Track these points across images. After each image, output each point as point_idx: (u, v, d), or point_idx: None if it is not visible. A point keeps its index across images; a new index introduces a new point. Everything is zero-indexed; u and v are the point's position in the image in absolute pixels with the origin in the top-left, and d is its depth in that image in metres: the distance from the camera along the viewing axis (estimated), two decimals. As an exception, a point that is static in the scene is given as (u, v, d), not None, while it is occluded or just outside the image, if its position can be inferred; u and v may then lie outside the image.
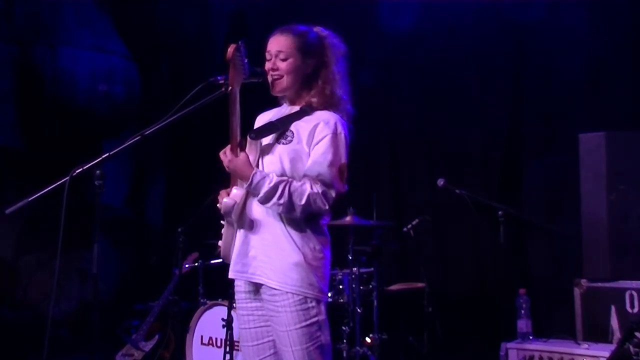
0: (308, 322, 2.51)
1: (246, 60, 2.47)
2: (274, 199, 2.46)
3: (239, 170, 2.50)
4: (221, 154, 2.54)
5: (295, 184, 2.48)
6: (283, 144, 2.57)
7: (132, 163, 7.05)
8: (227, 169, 2.54)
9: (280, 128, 2.59)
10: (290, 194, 2.46)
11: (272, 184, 2.46)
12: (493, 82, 5.42)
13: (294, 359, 2.50)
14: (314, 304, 2.53)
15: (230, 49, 2.43)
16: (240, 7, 6.69)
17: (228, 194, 2.59)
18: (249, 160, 2.51)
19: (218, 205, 2.60)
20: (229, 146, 2.52)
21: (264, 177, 2.47)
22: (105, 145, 6.43)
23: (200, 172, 6.00)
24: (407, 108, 5.81)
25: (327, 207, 2.51)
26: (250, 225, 2.57)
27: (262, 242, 2.55)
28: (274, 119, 2.67)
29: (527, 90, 5.29)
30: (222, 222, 2.65)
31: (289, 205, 2.46)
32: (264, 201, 2.49)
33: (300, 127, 2.58)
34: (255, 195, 2.51)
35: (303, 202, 2.46)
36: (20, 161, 6.09)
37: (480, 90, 5.48)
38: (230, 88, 2.46)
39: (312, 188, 2.48)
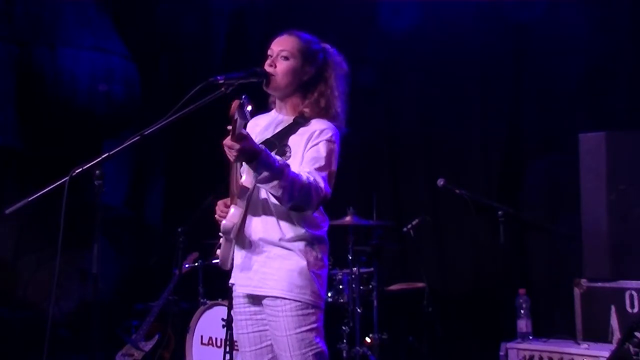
0: (308, 327, 2.51)
1: (249, 109, 2.35)
2: (276, 182, 2.36)
3: (248, 152, 2.34)
4: (226, 141, 2.35)
5: (293, 172, 2.40)
6: None
7: (132, 163, 7.04)
8: (238, 152, 2.34)
9: (277, 145, 2.57)
10: (292, 180, 2.37)
11: (279, 165, 2.37)
12: (493, 82, 5.42)
13: None
14: (313, 310, 2.53)
15: (234, 105, 2.30)
16: (240, 7, 6.68)
17: (225, 205, 2.58)
18: (254, 141, 2.40)
19: (216, 216, 2.59)
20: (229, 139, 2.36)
21: (269, 156, 2.37)
22: (105, 145, 6.43)
23: (200, 172, 6.00)
24: (407, 108, 5.81)
25: (315, 203, 2.46)
26: (250, 243, 2.57)
27: (264, 256, 2.55)
28: (267, 128, 2.66)
29: (527, 90, 5.29)
30: (220, 234, 2.64)
31: (289, 192, 2.37)
32: (267, 180, 2.37)
33: (296, 141, 2.57)
34: (258, 174, 2.38)
35: (302, 192, 2.39)
36: (20, 161, 6.09)
37: (480, 90, 5.48)
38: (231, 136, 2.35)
39: (307, 180, 2.42)
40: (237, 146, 2.34)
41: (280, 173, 2.37)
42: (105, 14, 6.61)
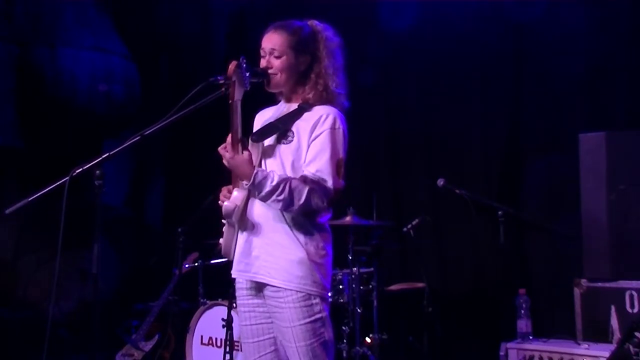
0: (312, 318, 2.52)
1: (248, 74, 2.43)
2: (274, 196, 2.46)
3: (241, 168, 2.49)
4: (220, 148, 2.52)
5: (295, 182, 2.48)
6: (284, 144, 2.58)
7: (132, 163, 7.04)
8: (227, 164, 2.52)
9: (280, 128, 2.59)
10: (290, 192, 2.45)
11: (273, 183, 2.46)
12: (493, 82, 5.41)
13: (298, 355, 2.51)
14: (317, 300, 2.54)
15: (232, 66, 2.40)
16: (240, 7, 6.68)
17: (229, 192, 2.59)
18: (252, 159, 2.50)
19: (220, 203, 2.60)
20: (228, 140, 2.50)
21: (265, 177, 2.47)
22: (105, 145, 6.43)
23: (200, 172, 5.99)
24: (407, 108, 5.80)
25: (325, 204, 2.52)
26: (252, 226, 2.58)
27: (264, 242, 2.56)
28: (273, 118, 2.67)
29: (527, 90, 5.28)
30: (223, 221, 2.65)
31: (288, 203, 2.47)
32: (264, 199, 2.49)
33: (301, 126, 2.58)
34: (256, 193, 2.51)
35: (302, 200, 2.46)
36: (20, 161, 6.08)
37: (480, 90, 5.48)
38: (231, 102, 2.45)
39: (311, 185, 2.48)
40: (227, 156, 2.48)
41: (275, 189, 2.45)
42: (105, 14, 6.61)
